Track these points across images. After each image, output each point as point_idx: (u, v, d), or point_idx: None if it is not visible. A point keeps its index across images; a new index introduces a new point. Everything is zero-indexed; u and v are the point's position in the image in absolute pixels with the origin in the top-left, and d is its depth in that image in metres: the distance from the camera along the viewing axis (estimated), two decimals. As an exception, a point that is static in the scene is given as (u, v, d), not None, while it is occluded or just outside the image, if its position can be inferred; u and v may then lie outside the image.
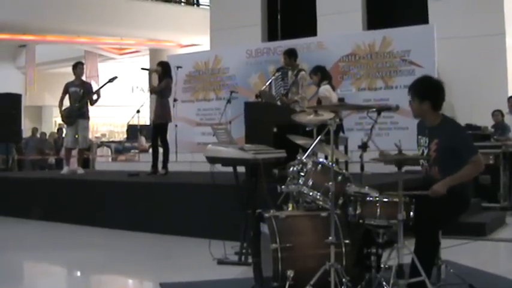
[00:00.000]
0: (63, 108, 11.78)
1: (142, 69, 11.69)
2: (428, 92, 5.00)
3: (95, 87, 12.39)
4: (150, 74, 11.21)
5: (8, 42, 29.74)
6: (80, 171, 12.07)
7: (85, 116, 11.82)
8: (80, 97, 11.65)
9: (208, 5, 20.02)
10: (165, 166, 10.95)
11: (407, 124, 10.92)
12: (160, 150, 11.03)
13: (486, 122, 12.02)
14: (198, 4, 27.54)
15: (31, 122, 32.41)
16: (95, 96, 11.81)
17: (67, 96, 11.81)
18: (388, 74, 12.41)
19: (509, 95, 12.58)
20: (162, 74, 10.96)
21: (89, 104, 11.81)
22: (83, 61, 16.38)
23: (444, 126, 4.97)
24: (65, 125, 12.49)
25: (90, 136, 29.28)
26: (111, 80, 11.80)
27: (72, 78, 11.95)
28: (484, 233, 8.18)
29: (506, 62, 13.03)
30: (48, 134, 23.05)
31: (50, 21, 23.81)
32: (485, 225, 8.30)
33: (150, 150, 11.45)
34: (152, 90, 11.00)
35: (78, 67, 12.03)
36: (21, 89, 31.74)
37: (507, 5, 13.15)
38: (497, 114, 12.26)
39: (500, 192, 10.55)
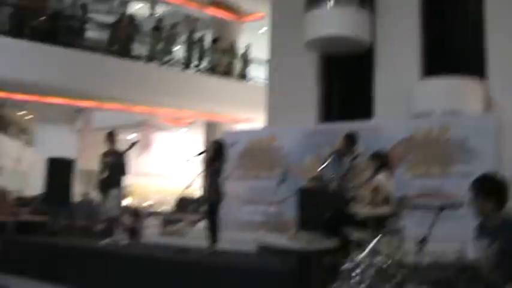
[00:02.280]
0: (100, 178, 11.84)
1: (196, 155, 11.58)
2: (492, 190, 4.73)
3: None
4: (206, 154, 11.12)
5: (66, 107, 30.20)
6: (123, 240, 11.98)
7: (115, 185, 11.73)
8: (110, 166, 11.63)
9: (265, 81, 20.03)
10: (213, 243, 10.64)
11: (464, 213, 10.58)
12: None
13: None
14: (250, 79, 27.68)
15: (84, 186, 32.65)
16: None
17: None
18: (446, 161, 12.07)
19: None
20: (213, 154, 10.89)
21: (121, 173, 11.78)
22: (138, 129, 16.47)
23: (506, 229, 4.67)
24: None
25: (139, 204, 29.44)
26: (131, 146, 11.83)
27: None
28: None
29: None
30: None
31: (108, 89, 24.14)
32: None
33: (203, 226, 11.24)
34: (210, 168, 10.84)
35: (109, 137, 12.06)
36: (75, 153, 32.18)
37: None
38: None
39: None
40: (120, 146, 12.08)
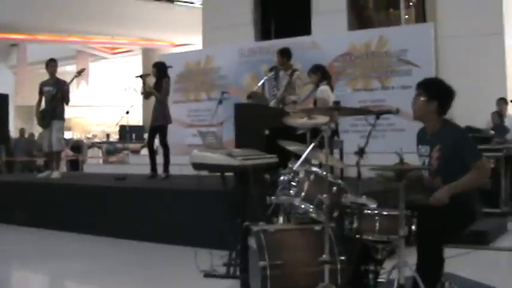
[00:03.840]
0: (40, 109, 11.36)
1: (137, 77, 11.24)
2: (439, 92, 4.64)
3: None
4: (144, 79, 10.82)
5: (-1, 41, 29.44)
6: (56, 174, 11.46)
7: (59, 117, 11.24)
8: (52, 97, 11.14)
9: (201, 4, 19.60)
10: (166, 169, 10.57)
11: (404, 126, 10.62)
12: (160, 152, 10.72)
13: (483, 123, 11.63)
14: (191, 3, 27.12)
15: (22, 122, 32.09)
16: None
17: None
18: (385, 74, 12.06)
19: (509, 95, 12.23)
20: (158, 74, 10.61)
21: (64, 104, 11.30)
22: (75, 61, 15.98)
23: (446, 130, 4.60)
24: (41, 128, 12.03)
25: (81, 136, 29.14)
26: (79, 73, 11.63)
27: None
28: (486, 241, 7.78)
29: (505, 63, 12.64)
30: (37, 135, 22.63)
31: (41, 20, 23.53)
32: (487, 233, 7.88)
33: (145, 153, 11.07)
34: (153, 94, 10.52)
35: (50, 65, 11.49)
36: (12, 88, 31.47)
37: (506, 5, 12.77)
38: (495, 115, 11.91)
39: (501, 197, 10.15)
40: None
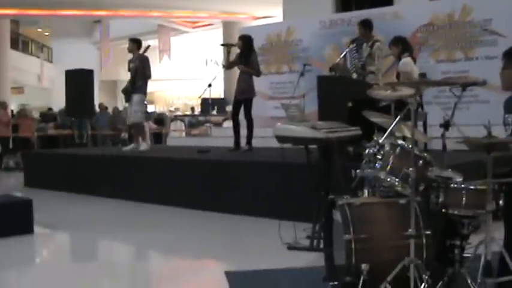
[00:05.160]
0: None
1: (222, 45, 11.30)
2: None
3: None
4: (229, 49, 10.89)
5: (83, 18, 30.05)
6: (143, 147, 11.77)
7: (138, 91, 11.41)
8: (134, 71, 11.36)
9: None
10: (249, 142, 10.62)
11: (489, 97, 10.42)
12: (244, 125, 10.73)
13: None
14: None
15: (106, 96, 32.84)
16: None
17: None
18: (469, 45, 11.82)
19: None
20: (244, 48, 10.60)
21: (144, 78, 11.46)
22: (156, 35, 16.15)
23: None
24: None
25: (164, 110, 29.55)
26: (145, 50, 11.64)
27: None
28: None
29: None
30: (122, 109, 23.05)
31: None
32: None
33: (230, 125, 11.16)
34: (245, 70, 10.51)
35: (128, 45, 11.79)
36: (97, 64, 32.18)
37: None
38: None
39: None
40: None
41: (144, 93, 11.57)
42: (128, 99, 11.56)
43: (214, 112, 21.06)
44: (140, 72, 11.30)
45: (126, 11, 27.42)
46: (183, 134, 22.37)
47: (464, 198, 4.03)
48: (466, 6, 11.87)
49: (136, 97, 11.41)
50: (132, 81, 11.34)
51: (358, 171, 4.51)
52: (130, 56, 11.66)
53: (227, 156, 10.07)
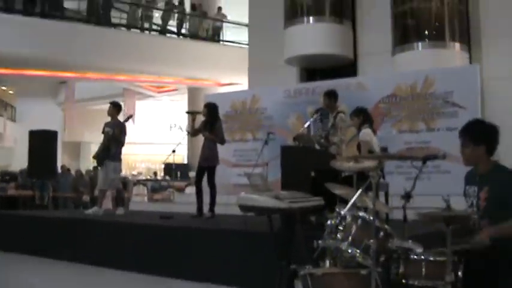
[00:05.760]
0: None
1: (187, 112, 11.40)
2: (483, 135, 4.63)
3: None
4: (194, 117, 10.99)
5: (48, 78, 29.98)
6: (120, 211, 11.87)
7: (113, 158, 11.47)
8: (108, 137, 11.40)
9: (247, 44, 19.83)
10: (212, 209, 10.65)
11: (450, 168, 10.58)
12: (207, 191, 10.74)
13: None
14: (237, 43, 27.40)
15: (69, 158, 32.59)
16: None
17: None
18: (430, 116, 12.07)
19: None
20: (209, 116, 10.74)
21: (119, 145, 11.51)
22: (122, 99, 16.26)
23: (495, 173, 4.59)
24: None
25: (127, 173, 29.41)
26: (127, 119, 11.77)
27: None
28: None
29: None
30: (84, 171, 22.93)
31: (89, 59, 23.89)
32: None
33: (193, 191, 11.17)
34: (210, 138, 10.64)
35: (109, 107, 11.84)
36: (60, 125, 32.04)
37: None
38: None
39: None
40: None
41: (119, 160, 11.64)
42: (100, 163, 11.56)
43: (178, 177, 21.05)
44: (116, 138, 11.33)
45: (92, 73, 27.48)
46: (145, 198, 22.27)
47: (423, 269, 4.10)
48: (428, 78, 12.16)
49: (112, 165, 11.48)
50: (107, 147, 11.35)
51: (320, 241, 4.55)
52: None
53: (189, 223, 10.04)
